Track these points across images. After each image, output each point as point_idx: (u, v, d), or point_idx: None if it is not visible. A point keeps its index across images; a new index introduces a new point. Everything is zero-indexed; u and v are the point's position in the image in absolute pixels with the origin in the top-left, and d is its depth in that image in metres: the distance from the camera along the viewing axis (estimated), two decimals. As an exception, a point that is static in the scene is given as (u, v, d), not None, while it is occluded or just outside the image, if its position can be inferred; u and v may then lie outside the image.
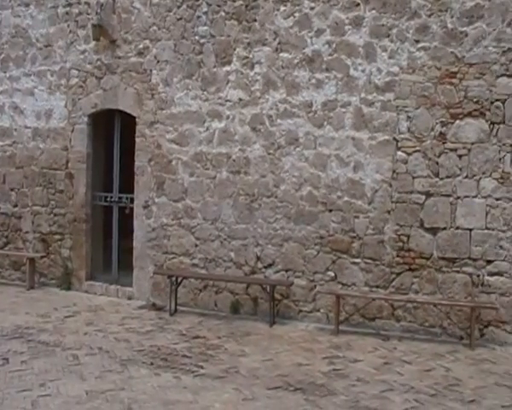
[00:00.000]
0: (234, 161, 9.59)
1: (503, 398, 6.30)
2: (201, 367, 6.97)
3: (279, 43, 9.28)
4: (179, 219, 10.00)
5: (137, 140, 10.38)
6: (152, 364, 7.05)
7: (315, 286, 9.05)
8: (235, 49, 9.57)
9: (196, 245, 9.89)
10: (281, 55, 9.27)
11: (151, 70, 10.21)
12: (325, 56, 8.99)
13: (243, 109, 9.52)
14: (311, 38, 9.07)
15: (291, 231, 9.19)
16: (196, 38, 9.84)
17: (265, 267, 9.39)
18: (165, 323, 8.98)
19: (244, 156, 9.52)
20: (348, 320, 8.79)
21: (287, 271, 9.25)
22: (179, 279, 9.63)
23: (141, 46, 10.27)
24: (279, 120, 9.28)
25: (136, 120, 10.37)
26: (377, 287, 8.72)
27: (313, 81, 9.07)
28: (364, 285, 8.79)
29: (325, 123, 9.01)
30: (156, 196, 10.19)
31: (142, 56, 10.27)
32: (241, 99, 9.53)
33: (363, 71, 8.82)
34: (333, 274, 8.97)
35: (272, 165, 9.32)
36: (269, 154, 9.35)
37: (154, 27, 10.13)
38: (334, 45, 8.95)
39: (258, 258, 9.43)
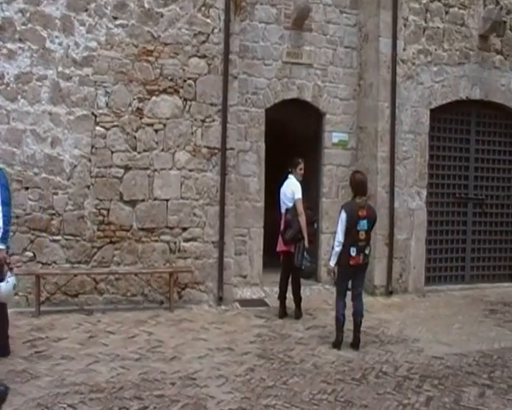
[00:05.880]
0: None
1: (200, 350, 6.91)
2: None
3: (-39, 7, 8.45)
4: None
5: None
6: None
7: (12, 269, 8.54)
8: None
9: None
10: (-36, 19, 8.46)
11: None
12: (18, 26, 8.44)
13: None
14: (2, 4, 8.41)
15: (-18, 213, 8.51)
16: None
17: None
18: None
19: None
20: (50, 300, 8.53)
21: (-22, 255, 8.55)
22: None
23: None
24: (-35, 92, 8.48)
25: None
26: (79, 263, 8.65)
27: (4, 51, 8.44)
28: (66, 262, 8.63)
29: (19, 97, 8.50)
30: None
31: None
32: None
33: (60, 44, 8.57)
34: (31, 254, 8.59)
35: (-44, 142, 8.47)
36: (-50, 130, 8.47)
37: None
38: (28, 15, 8.47)
39: None
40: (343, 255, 6.93)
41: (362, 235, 6.90)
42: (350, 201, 7.27)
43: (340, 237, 6.93)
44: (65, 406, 5.28)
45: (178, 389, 5.69)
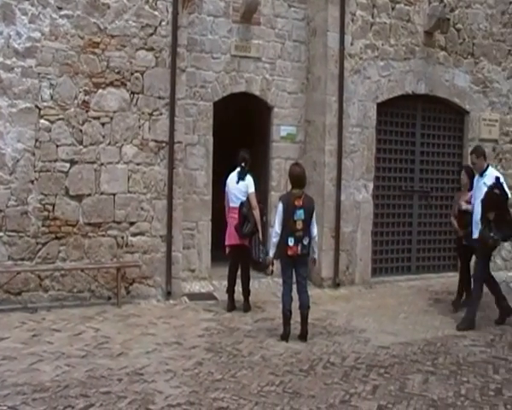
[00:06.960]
0: None
1: (148, 345, 6.85)
2: None
3: None
4: None
5: None
6: None
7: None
8: None
9: None
10: None
11: None
12: (-47, 13, 8.18)
13: None
14: None
15: None
16: None
17: None
18: None
19: None
20: (-9, 299, 8.30)
21: None
22: None
23: None
24: None
25: None
26: (22, 260, 8.39)
27: None
28: (8, 259, 8.34)
29: (-41, 89, 8.25)
30: None
31: None
32: None
33: (0, 34, 8.30)
34: (-29, 252, 8.33)
35: None
36: None
37: None
38: (-36, 1, 8.20)
39: None
40: (281, 246, 7.10)
41: (299, 225, 7.05)
42: (287, 192, 7.56)
43: (276, 227, 7.15)
44: (5, 408, 5.11)
45: (125, 385, 5.63)
